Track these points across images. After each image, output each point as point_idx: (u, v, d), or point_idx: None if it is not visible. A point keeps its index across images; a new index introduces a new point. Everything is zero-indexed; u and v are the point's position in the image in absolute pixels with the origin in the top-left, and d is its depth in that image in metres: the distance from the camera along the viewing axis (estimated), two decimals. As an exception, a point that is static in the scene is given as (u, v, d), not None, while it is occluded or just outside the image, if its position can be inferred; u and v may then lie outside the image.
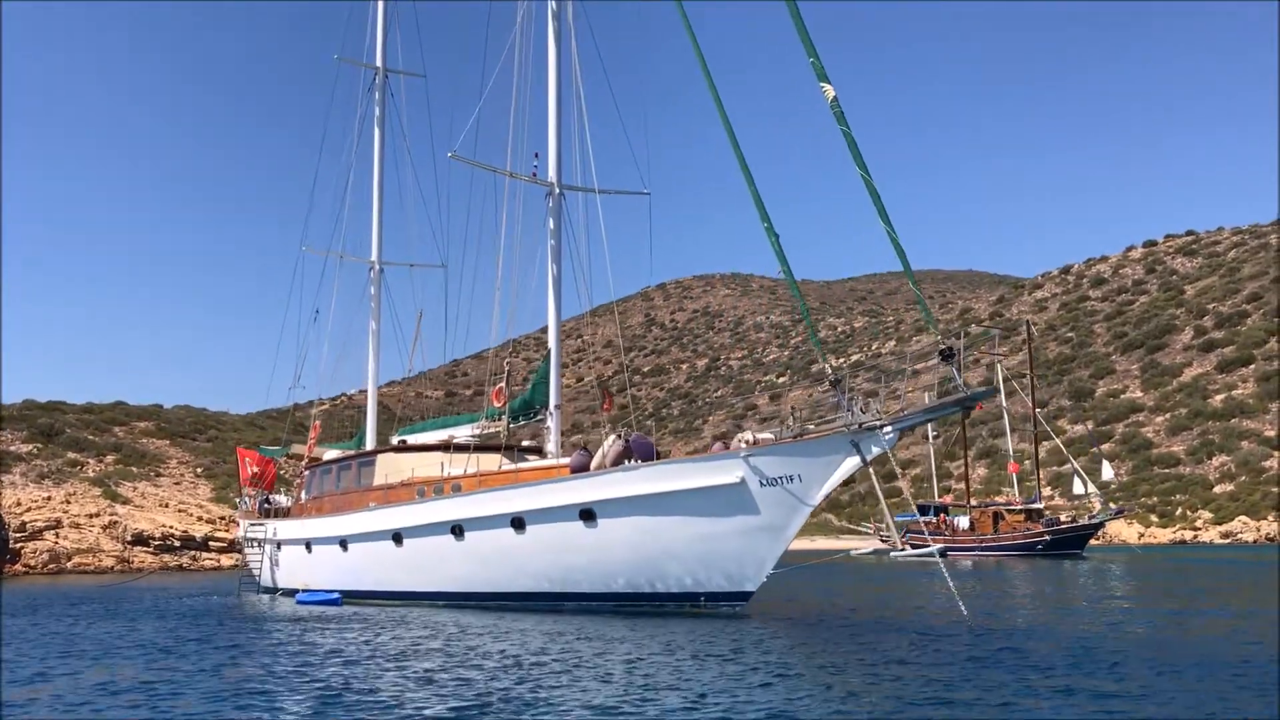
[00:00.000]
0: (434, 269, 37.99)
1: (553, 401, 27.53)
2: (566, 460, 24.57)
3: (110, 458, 74.80)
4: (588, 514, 22.63)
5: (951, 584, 17.39)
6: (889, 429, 18.91)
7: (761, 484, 20.38)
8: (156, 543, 64.17)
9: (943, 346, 18.32)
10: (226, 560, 67.12)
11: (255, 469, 38.35)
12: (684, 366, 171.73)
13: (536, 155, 28.11)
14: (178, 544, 65.57)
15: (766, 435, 21.00)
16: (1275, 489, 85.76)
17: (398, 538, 26.89)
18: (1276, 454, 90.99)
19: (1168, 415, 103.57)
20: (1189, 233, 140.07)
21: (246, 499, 37.92)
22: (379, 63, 37.83)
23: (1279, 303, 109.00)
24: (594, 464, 23.12)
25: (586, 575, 23.17)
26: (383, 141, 37.32)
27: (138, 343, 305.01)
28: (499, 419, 27.64)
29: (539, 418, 27.81)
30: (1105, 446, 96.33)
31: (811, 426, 20.19)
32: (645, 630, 17.65)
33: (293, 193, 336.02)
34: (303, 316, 38.38)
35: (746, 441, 20.80)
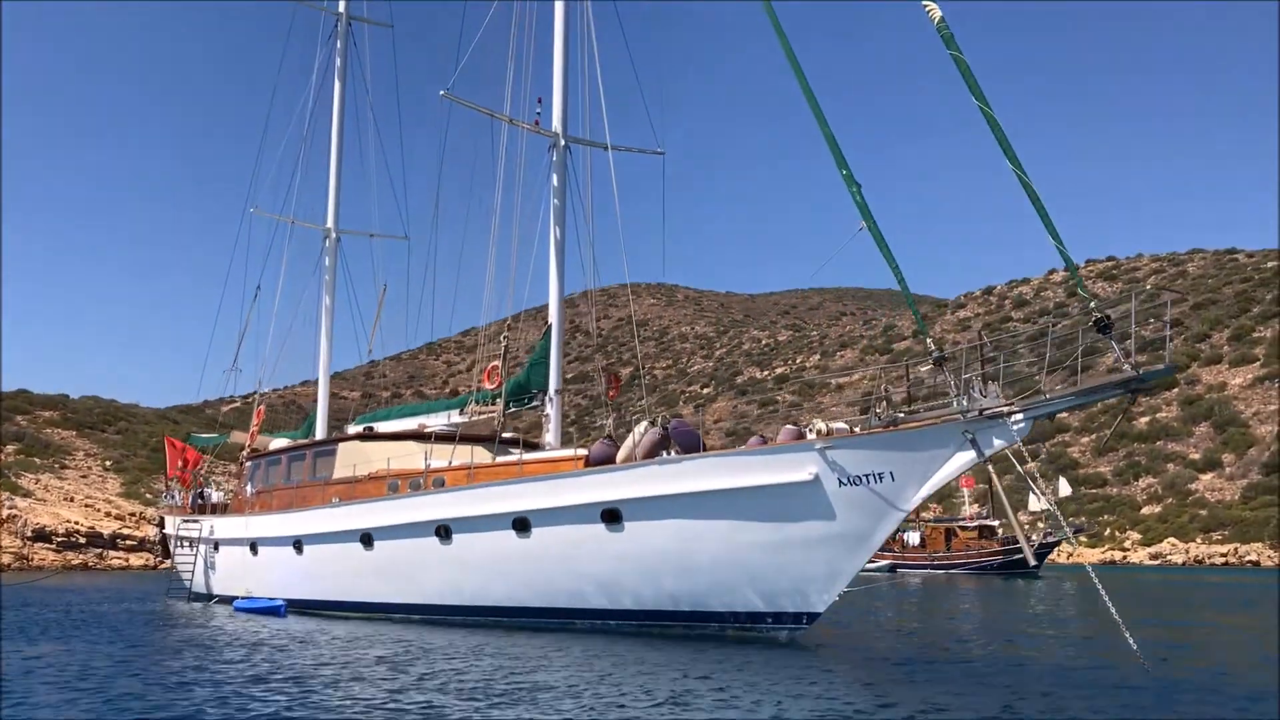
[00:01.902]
0: (396, 241, 33.40)
1: (553, 385, 23.33)
2: (580, 452, 20.41)
3: (11, 448, 68.17)
4: (611, 515, 18.51)
5: (1114, 611, 13.64)
6: (1019, 417, 15.12)
7: (840, 483, 16.46)
8: (60, 539, 58.17)
9: (1098, 314, 14.62)
10: (136, 560, 61.34)
11: (180, 461, 33.38)
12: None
13: (540, 100, 23.96)
14: (83, 541, 59.64)
15: (840, 425, 17.11)
16: (1203, 511, 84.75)
17: (367, 539, 22.40)
18: (1201, 477, 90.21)
19: (1093, 436, 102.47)
20: (1109, 258, 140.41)
21: (175, 493, 32.82)
22: (341, 8, 33.23)
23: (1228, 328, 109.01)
24: (620, 455, 19.00)
25: (607, 588, 19.02)
26: (343, 97, 32.73)
27: (43, 328, 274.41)
28: (492, 403, 23.31)
29: (536, 404, 23.55)
30: (1030, 466, 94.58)
31: (902, 415, 16.30)
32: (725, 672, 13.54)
33: (235, 156, 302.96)
34: (245, 289, 33.39)
35: (819, 431, 16.86)
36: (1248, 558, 76.68)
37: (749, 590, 17.63)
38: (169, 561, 63.57)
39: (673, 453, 18.10)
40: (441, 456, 22.91)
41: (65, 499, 63.07)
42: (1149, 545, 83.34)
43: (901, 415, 16.28)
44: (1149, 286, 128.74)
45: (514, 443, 23.92)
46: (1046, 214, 15.17)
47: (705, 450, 18.21)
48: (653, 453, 18.33)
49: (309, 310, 33.26)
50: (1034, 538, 65.47)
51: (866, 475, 16.27)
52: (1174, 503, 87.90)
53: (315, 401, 32.86)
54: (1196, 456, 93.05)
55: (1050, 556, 68.50)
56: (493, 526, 20.08)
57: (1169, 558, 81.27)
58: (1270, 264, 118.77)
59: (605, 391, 24.88)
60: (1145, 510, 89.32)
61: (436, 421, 25.86)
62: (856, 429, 17.03)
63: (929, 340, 16.26)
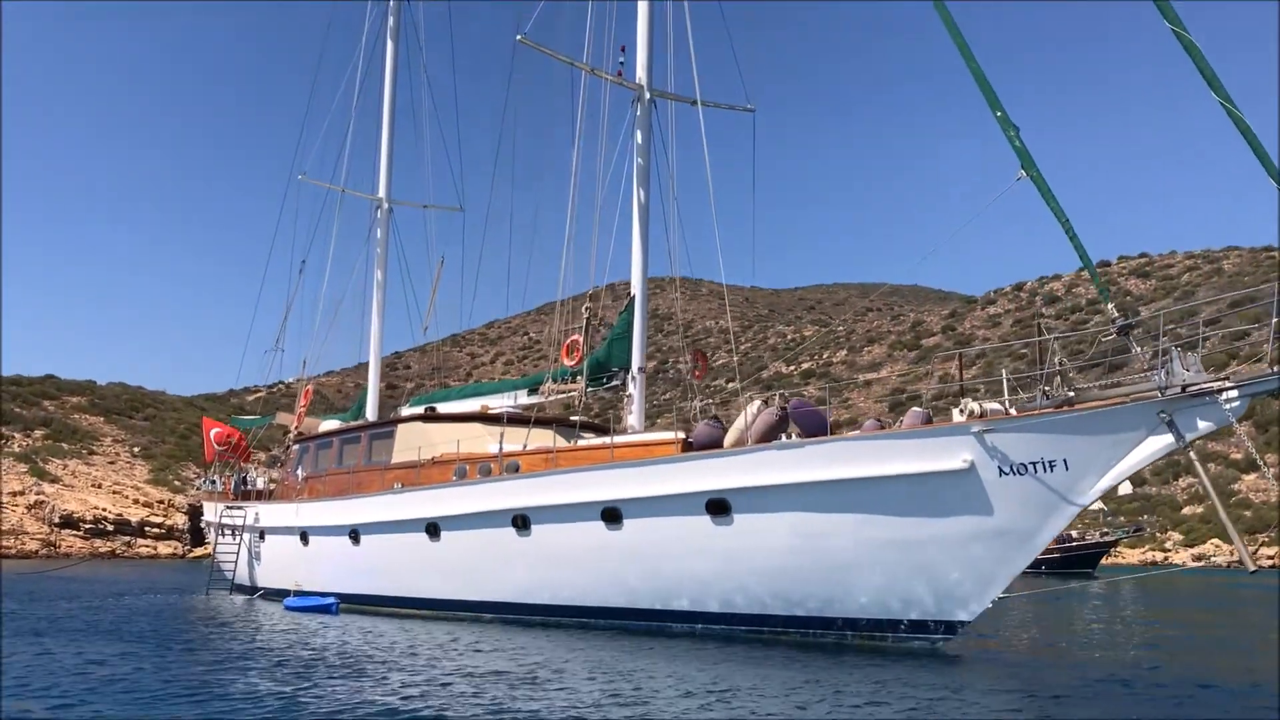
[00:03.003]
0: (450, 214, 31.06)
1: (636, 362, 21.02)
2: (677, 435, 18.06)
3: (39, 433, 66.25)
4: (718, 506, 16.19)
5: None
6: (1233, 394, 12.73)
7: (1001, 472, 14.09)
8: (87, 526, 56.26)
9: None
10: (164, 548, 59.46)
11: (221, 444, 31.13)
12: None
13: (623, 49, 21.61)
14: (110, 528, 57.74)
15: (994, 406, 14.74)
16: (1247, 513, 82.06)
17: (433, 529, 20.12)
18: (1244, 477, 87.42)
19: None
20: (1142, 255, 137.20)
21: (215, 479, 30.49)
22: (395, -36, 30.92)
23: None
24: (729, 439, 16.66)
25: (711, 588, 16.68)
26: (396, 58, 30.41)
27: (69, 313, 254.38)
28: (573, 381, 20.98)
29: (616, 383, 21.23)
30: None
31: (1071, 393, 13.92)
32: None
33: (277, 125, 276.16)
34: (291, 264, 31.13)
35: (970, 413, 14.48)
36: (1295, 559, 74.05)
37: (882, 594, 15.27)
38: (200, 549, 61.68)
39: (793, 436, 15.75)
40: (511, 441, 20.66)
41: (93, 485, 61.13)
42: (1191, 546, 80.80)
43: (1070, 394, 13.91)
44: (1184, 283, 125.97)
45: (599, 428, 21.70)
46: (1261, 148, 12.79)
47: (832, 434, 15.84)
48: (768, 436, 15.98)
49: (357, 287, 30.93)
50: (1090, 536, 63.03)
51: (1034, 463, 13.91)
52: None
53: (337, 393, 30.36)
54: (1238, 456, 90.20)
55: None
56: (579, 517, 17.81)
57: (1213, 559, 78.72)
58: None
59: (691, 371, 22.57)
60: (1186, 510, 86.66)
61: (501, 403, 23.63)
62: (1012, 410, 14.70)
63: (1111, 305, 13.93)
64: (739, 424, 16.51)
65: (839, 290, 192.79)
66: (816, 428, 15.78)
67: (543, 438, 21.02)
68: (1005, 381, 14.89)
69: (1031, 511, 14.07)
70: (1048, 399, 13.94)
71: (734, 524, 16.13)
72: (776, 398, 16.32)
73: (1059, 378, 13.94)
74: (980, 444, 14.12)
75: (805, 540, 15.51)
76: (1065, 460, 13.72)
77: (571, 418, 23.72)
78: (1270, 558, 75.54)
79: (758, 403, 16.54)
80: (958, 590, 14.76)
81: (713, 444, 16.75)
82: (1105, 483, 13.71)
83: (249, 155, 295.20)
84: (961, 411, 14.59)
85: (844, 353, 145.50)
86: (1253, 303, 14.18)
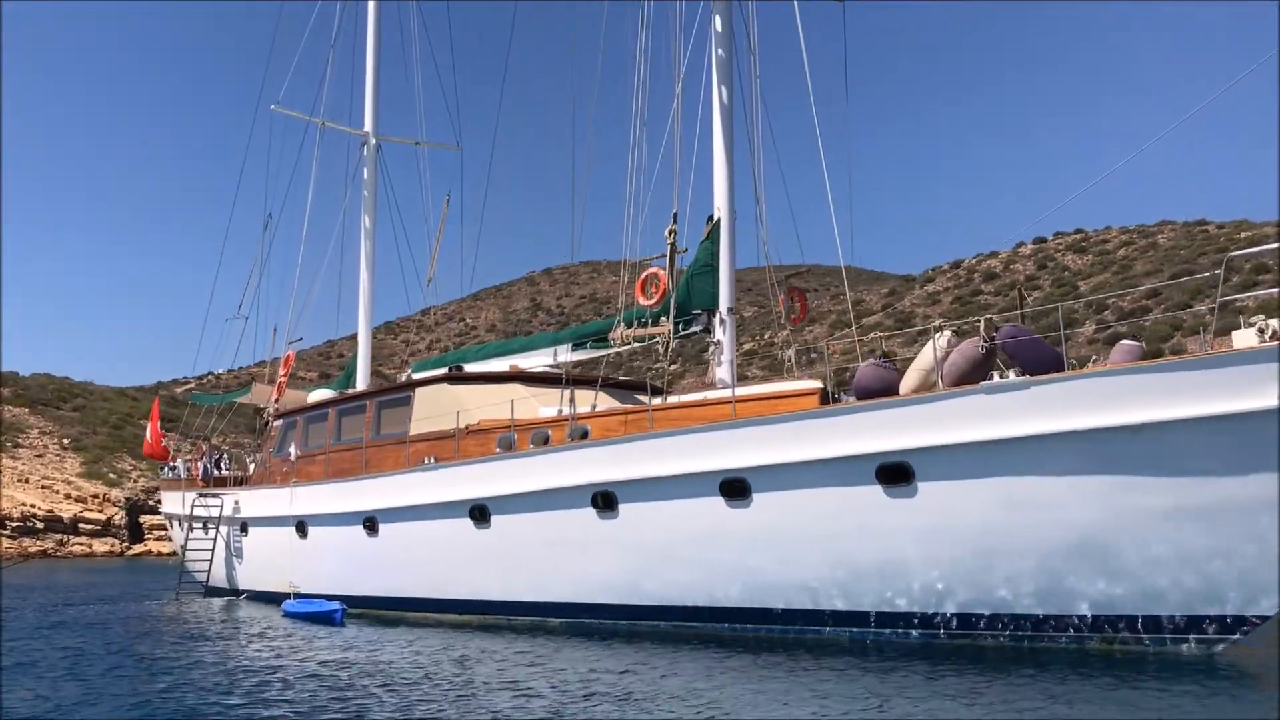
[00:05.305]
0: (448, 151, 26.29)
1: (724, 302, 16.66)
2: (811, 385, 13.75)
3: (-43, 426, 59.71)
4: (894, 472, 11.94)
5: None
6: None
7: (1333, 411, 10.00)
8: (15, 524, 50.50)
9: None
10: (100, 546, 53.77)
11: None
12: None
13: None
14: (40, 526, 51.96)
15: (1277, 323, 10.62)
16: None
17: (480, 513, 15.53)
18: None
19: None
20: (1078, 230, 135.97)
21: (180, 465, 25.22)
22: None
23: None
24: (909, 384, 12.35)
25: (886, 578, 12.39)
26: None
27: None
28: (654, 324, 16.50)
29: (697, 328, 16.86)
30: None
31: None
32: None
33: (235, 63, 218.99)
34: (263, 208, 26.10)
35: (1275, 333, 10.35)
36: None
37: (1141, 581, 11.11)
38: (139, 546, 55.69)
39: (1010, 374, 11.47)
40: (549, 406, 16.38)
41: (20, 480, 54.98)
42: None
43: None
44: (1120, 258, 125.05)
45: (656, 389, 17.43)
46: None
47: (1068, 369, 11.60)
48: (971, 376, 11.71)
49: (336, 241, 25.89)
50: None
51: (1386, 396, 9.82)
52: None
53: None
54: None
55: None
56: (687, 493, 13.44)
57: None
58: (1243, 234, 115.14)
59: (787, 315, 18.31)
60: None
61: (536, 362, 19.19)
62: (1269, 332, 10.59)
63: None
64: (922, 361, 12.21)
65: (774, 272, 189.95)
66: (1044, 363, 11.52)
67: (586, 401, 16.63)
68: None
69: (1377, 465, 10.01)
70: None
71: (918, 495, 11.87)
72: (982, 324, 12.03)
73: None
74: (1306, 374, 10.01)
75: (1027, 513, 11.31)
76: None
77: (620, 377, 19.44)
78: None
79: (948, 333, 12.25)
80: (1255, 574, 10.65)
81: (884, 391, 12.44)
82: None
83: (203, 97, 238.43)
84: (1261, 332, 10.45)
85: (785, 332, 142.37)
86: None
